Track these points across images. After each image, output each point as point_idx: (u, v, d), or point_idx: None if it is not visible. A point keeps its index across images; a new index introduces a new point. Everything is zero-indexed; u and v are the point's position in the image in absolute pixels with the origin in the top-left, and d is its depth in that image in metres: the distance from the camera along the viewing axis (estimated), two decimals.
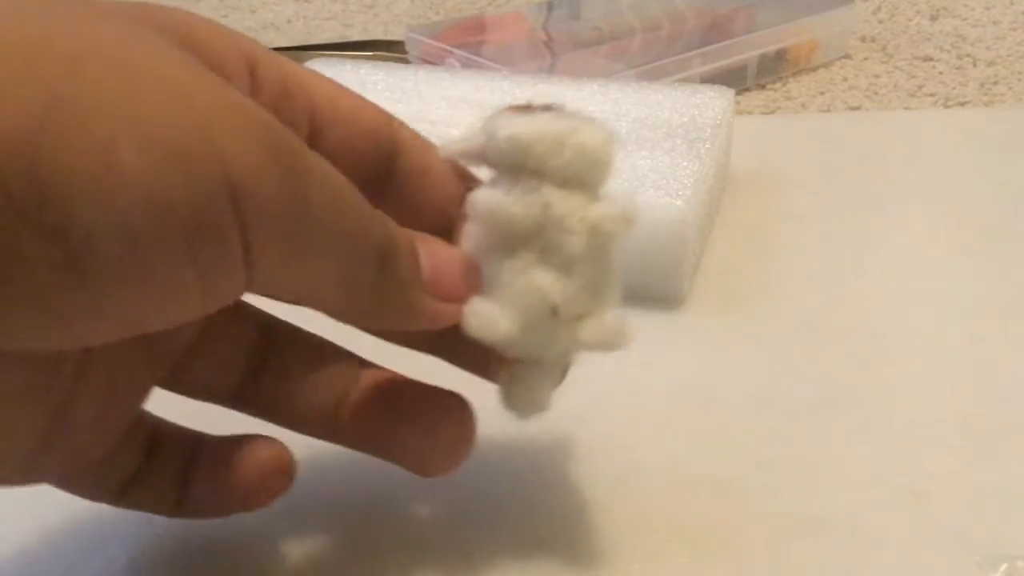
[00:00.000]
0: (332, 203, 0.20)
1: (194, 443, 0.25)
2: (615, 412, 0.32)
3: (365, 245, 0.21)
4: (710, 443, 0.31)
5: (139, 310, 0.18)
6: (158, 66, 0.18)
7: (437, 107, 0.44)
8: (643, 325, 0.37)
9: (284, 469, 0.25)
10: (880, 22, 0.69)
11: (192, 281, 0.18)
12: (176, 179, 0.17)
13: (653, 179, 0.37)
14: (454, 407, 0.26)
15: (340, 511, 0.28)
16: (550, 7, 0.64)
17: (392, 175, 0.25)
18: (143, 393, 0.24)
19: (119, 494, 0.25)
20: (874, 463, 0.30)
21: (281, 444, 0.25)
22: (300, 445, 0.26)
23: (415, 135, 0.26)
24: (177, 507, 0.25)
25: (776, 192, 0.46)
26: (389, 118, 0.26)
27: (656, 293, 0.37)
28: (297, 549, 0.27)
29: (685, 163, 0.39)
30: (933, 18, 0.70)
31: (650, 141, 0.40)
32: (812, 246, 0.41)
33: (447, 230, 0.25)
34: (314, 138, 0.24)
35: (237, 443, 0.25)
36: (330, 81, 0.25)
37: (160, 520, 0.26)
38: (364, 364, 0.27)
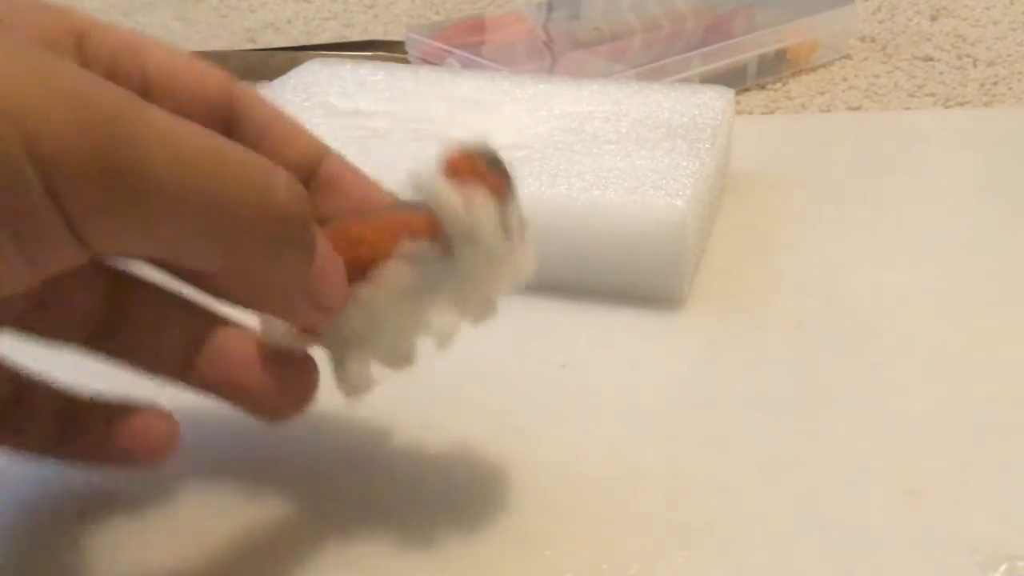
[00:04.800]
0: (180, 162, 0.20)
1: (66, 398, 0.25)
2: (615, 412, 0.32)
3: (240, 206, 0.21)
4: (710, 443, 0.31)
5: None
6: None
7: (437, 107, 0.44)
8: (643, 325, 0.38)
9: (172, 434, 0.25)
10: (880, 22, 0.69)
11: (13, 252, 0.19)
12: None
13: (653, 179, 0.37)
14: (296, 357, 0.26)
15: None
16: (550, 7, 0.64)
17: (232, 136, 0.25)
18: None
19: None
20: (874, 463, 0.30)
21: (164, 413, 0.25)
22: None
23: (256, 97, 0.26)
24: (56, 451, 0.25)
25: (776, 192, 0.46)
26: (228, 81, 0.26)
27: (656, 293, 0.37)
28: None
29: (685, 163, 0.39)
30: (933, 18, 0.70)
31: (650, 141, 0.40)
32: (812, 246, 0.41)
33: None
34: None
35: (125, 406, 0.25)
36: (165, 48, 0.25)
37: None
38: (216, 316, 0.27)
